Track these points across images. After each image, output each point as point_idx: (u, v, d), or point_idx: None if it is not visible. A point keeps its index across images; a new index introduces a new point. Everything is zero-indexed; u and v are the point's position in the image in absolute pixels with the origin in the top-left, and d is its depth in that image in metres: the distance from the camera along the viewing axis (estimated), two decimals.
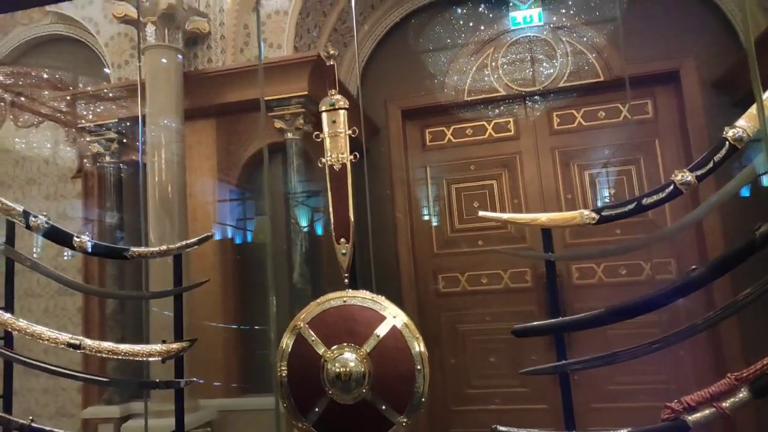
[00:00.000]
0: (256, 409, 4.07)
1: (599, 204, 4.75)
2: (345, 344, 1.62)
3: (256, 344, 4.40)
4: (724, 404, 1.35)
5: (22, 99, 4.59)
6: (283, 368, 1.66)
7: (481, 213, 1.73)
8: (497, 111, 4.92)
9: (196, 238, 1.85)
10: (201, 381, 1.78)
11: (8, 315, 1.84)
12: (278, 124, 4.23)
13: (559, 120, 4.86)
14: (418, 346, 1.62)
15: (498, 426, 1.46)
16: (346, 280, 1.71)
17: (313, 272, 4.26)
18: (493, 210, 4.96)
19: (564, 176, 4.81)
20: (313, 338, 1.65)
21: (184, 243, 1.83)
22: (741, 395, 1.34)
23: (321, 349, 1.63)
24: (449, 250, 5.10)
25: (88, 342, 1.78)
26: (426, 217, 5.16)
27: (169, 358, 1.73)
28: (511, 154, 4.98)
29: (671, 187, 1.48)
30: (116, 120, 4.37)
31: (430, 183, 5.22)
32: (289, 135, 4.24)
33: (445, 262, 5.09)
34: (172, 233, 3.87)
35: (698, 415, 1.37)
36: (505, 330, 4.73)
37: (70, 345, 1.75)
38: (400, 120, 5.20)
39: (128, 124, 4.43)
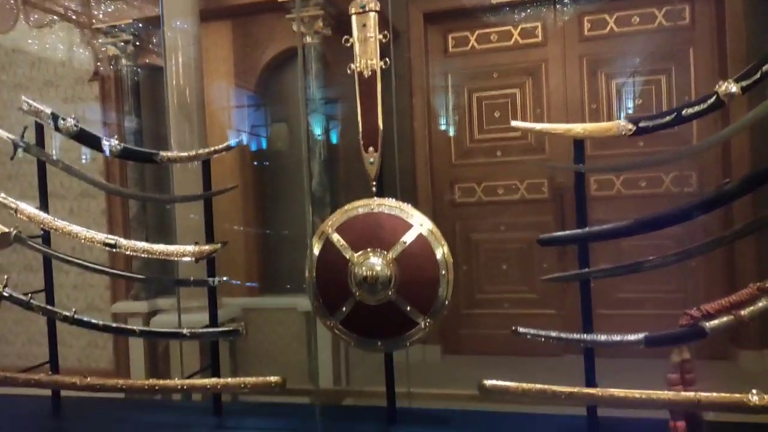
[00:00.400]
0: (276, 308, 4.27)
1: (622, 115, 4.62)
2: (371, 250, 1.66)
3: (276, 248, 4.52)
4: (743, 312, 1.39)
5: None
6: (312, 271, 1.72)
7: (513, 123, 1.69)
8: (525, 15, 4.67)
9: (225, 144, 1.85)
10: (231, 281, 1.86)
11: (45, 215, 1.90)
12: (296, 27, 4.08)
13: (589, 25, 4.62)
14: (443, 253, 1.66)
15: (518, 327, 1.52)
16: (374, 188, 1.73)
17: (332, 180, 4.29)
18: (515, 120, 4.87)
19: (590, 85, 4.66)
20: (342, 243, 1.69)
21: (212, 148, 1.84)
22: (760, 304, 1.38)
23: (348, 254, 1.67)
24: (467, 160, 5.06)
25: (124, 242, 1.84)
26: (444, 127, 5.08)
27: (201, 258, 1.80)
28: (536, 62, 4.80)
29: (713, 98, 1.43)
30: (131, 21, 4.24)
31: (450, 91, 5.08)
32: (308, 39, 4.09)
33: (463, 173, 5.07)
34: (191, 138, 3.87)
35: (716, 322, 1.42)
36: (518, 240, 4.83)
37: (106, 244, 1.82)
38: (422, 24, 4.99)
39: (140, 25, 4.30)
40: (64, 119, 1.87)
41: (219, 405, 1.90)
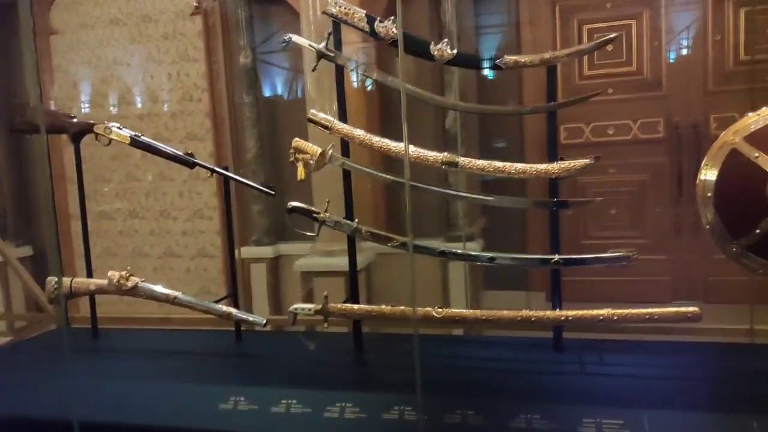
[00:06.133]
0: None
1: None
2: None
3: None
4: None
5: None
6: (708, 189, 1.49)
7: None
8: None
9: (594, 43, 1.58)
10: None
11: (359, 131, 1.62)
12: None
13: None
14: None
15: None
16: None
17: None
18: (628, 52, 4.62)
19: (716, 15, 4.40)
20: (756, 155, 1.46)
21: (575, 49, 1.57)
22: None
23: None
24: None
25: (465, 160, 1.59)
26: None
27: (566, 176, 1.56)
28: None
29: None
30: None
31: (558, 23, 4.78)
32: None
33: (569, 112, 4.84)
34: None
35: None
36: (629, 182, 4.62)
37: (445, 163, 1.56)
38: None
39: None
40: (381, 21, 1.58)
41: (560, 340, 1.70)
